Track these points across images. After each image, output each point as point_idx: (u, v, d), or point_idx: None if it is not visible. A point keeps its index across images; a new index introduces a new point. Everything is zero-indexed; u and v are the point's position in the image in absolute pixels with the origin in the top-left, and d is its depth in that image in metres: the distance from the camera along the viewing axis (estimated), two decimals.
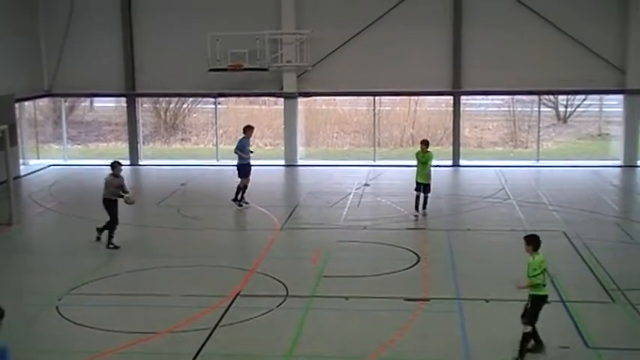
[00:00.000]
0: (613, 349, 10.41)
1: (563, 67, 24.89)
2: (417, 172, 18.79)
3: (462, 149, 26.56)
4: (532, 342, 10.22)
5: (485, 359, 10.27)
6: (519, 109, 32.18)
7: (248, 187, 19.93)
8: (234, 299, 12.67)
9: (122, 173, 16.39)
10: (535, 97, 27.68)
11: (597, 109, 31.17)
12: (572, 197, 20.44)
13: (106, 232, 16.16)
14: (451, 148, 26.48)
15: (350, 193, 21.46)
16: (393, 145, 31.54)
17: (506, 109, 33.21)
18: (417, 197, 18.65)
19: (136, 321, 11.89)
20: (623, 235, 16.46)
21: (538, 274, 9.99)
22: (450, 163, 26.13)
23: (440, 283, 13.52)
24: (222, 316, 11.92)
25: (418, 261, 14.80)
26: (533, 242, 10.21)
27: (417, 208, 18.62)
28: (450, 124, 26.92)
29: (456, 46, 25.39)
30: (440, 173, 24.42)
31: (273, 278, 13.75)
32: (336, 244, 16.25)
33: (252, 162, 20.16)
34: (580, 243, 15.80)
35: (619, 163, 25.39)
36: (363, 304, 12.47)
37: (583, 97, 31.11)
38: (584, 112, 33.28)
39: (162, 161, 28.26)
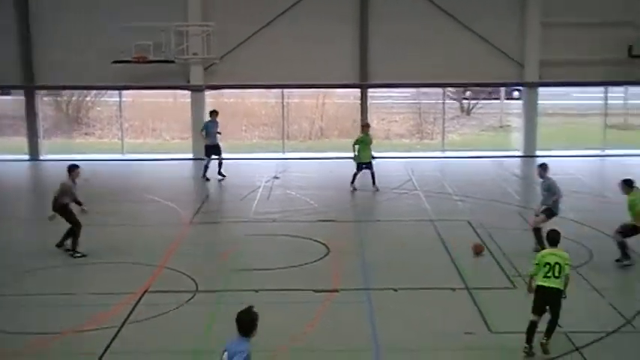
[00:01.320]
0: (515, 332, 10.74)
1: (466, 60, 25.56)
2: (359, 153, 20.38)
3: None
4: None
5: (395, 347, 10.45)
6: (425, 101, 32.84)
7: (222, 163, 22.48)
8: (141, 296, 12.47)
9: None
10: (440, 90, 28.30)
11: (499, 102, 32.14)
12: (475, 187, 21.04)
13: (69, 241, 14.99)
14: None
15: (259, 186, 21.45)
16: (302, 137, 31.67)
17: (413, 101, 33.84)
18: (355, 175, 20.50)
19: (39, 321, 11.54)
20: (524, 223, 17.03)
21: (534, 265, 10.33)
22: None
23: (349, 274, 13.67)
24: (130, 314, 11.71)
25: (328, 253, 14.92)
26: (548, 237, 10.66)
27: (353, 182, 20.51)
28: (358, 117, 27.25)
29: (363, 40, 25.70)
30: (348, 165, 24.69)
31: (182, 274, 13.60)
32: (246, 237, 16.21)
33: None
34: (484, 231, 16.28)
35: (519, 153, 26.27)
36: (274, 297, 12.48)
37: (486, 89, 32.01)
38: (486, 104, 34.26)
39: (65, 156, 27.44)
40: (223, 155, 22.90)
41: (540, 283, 10.23)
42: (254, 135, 32.32)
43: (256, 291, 12.67)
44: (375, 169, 20.87)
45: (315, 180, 22.88)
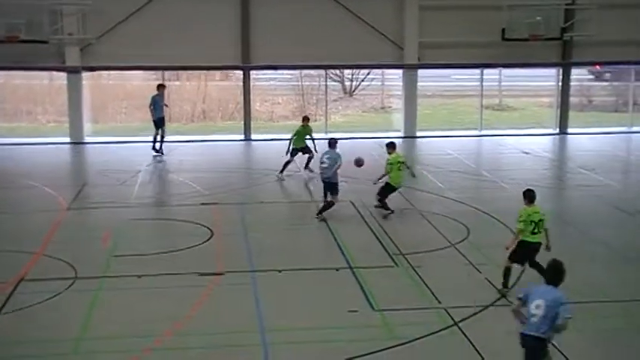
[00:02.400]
0: (396, 309, 11.03)
1: (347, 42, 25.81)
2: (295, 141, 20.14)
3: (253, 123, 26.85)
4: None
5: (279, 328, 10.49)
6: (307, 83, 32.98)
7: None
8: (17, 284, 11.99)
9: None
10: (322, 72, 28.48)
11: (380, 84, 32.67)
12: (359, 168, 21.29)
13: None
14: (242, 122, 26.67)
15: (141, 171, 21.00)
16: (185, 120, 31.19)
17: (295, 83, 33.91)
18: (289, 162, 19.98)
19: None
20: (405, 203, 17.41)
21: (521, 222, 11.34)
22: (242, 137, 26.34)
23: (234, 256, 13.61)
24: (5, 303, 11.24)
25: (212, 236, 14.80)
26: (525, 196, 11.60)
27: (282, 172, 19.92)
28: (241, 99, 27.08)
29: (245, 21, 25.51)
30: (232, 147, 24.56)
31: (61, 260, 13.16)
32: (128, 222, 15.85)
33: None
34: (366, 211, 16.56)
35: (400, 134, 26.85)
36: (157, 282, 12.28)
37: (367, 71, 32.43)
38: (368, 85, 34.75)
39: None
40: (103, 139, 22.24)
41: (528, 239, 11.46)
42: (135, 118, 31.53)
43: (139, 276, 12.42)
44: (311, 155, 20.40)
45: (199, 163, 22.58)
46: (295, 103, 33.87)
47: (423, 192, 18.52)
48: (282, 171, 20.00)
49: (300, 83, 33.50)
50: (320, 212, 16.03)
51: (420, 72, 27.04)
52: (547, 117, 28.15)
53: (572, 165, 22.53)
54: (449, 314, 10.85)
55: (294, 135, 20.47)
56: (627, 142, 25.69)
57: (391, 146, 16.58)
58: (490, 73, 28.01)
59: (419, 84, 27.17)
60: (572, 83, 27.64)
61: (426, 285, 12.05)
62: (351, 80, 35.20)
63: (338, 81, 34.99)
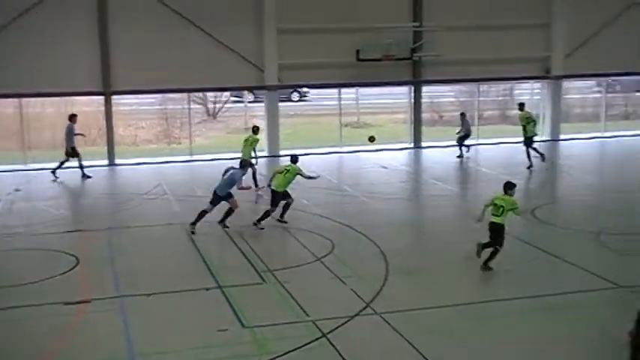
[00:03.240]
0: (266, 325, 11.36)
1: (209, 65, 26.12)
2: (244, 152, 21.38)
3: (117, 148, 26.60)
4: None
5: (150, 352, 10.58)
6: (171, 106, 32.93)
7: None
8: None
9: None
10: (185, 95, 28.59)
11: (243, 105, 33.08)
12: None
13: None
14: (106, 147, 26.36)
15: (0, 200, 20.39)
16: (46, 147, 30.32)
17: (159, 107, 33.79)
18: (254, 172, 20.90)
19: None
20: (271, 220, 17.72)
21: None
22: (106, 162, 26.03)
23: (101, 283, 13.53)
24: None
25: (77, 263, 14.65)
26: (505, 187, 13.90)
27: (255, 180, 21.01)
28: (104, 124, 26.75)
29: (104, 46, 25.29)
30: (97, 173, 24.22)
31: None
32: None
33: None
34: (233, 230, 16.83)
35: (265, 153, 27.32)
36: (20, 313, 12.05)
37: (229, 93, 32.80)
38: (231, 107, 35.09)
39: None
40: None
41: (491, 220, 13.80)
42: None
43: (2, 309, 12.17)
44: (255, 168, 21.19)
45: (61, 190, 22.17)
46: (159, 127, 33.73)
47: (291, 209, 19.00)
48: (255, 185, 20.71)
49: (163, 107, 33.41)
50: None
51: (282, 92, 27.72)
52: (402, 132, 29.48)
53: (425, 177, 23.76)
54: (317, 327, 11.24)
55: (250, 145, 21.46)
56: (474, 153, 27.26)
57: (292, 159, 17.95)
58: (348, 92, 29.04)
59: (280, 105, 27.84)
60: (423, 100, 29.11)
61: (294, 299, 12.44)
62: (214, 103, 35.44)
63: (201, 104, 35.13)
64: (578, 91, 35.10)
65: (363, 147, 26.80)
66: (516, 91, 34.46)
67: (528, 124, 23.84)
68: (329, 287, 13.20)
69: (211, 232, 16.75)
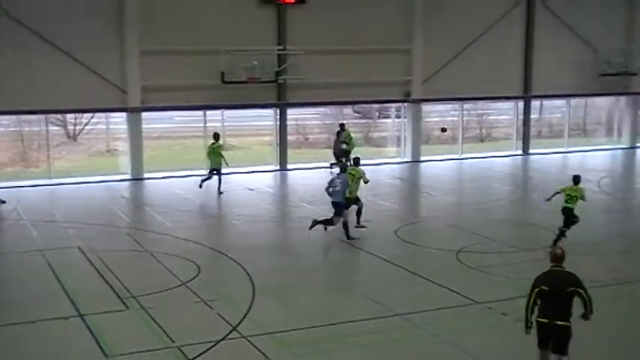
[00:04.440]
0: (130, 354, 11.08)
1: (70, 87, 25.32)
2: (211, 159, 23.52)
3: None
4: None
5: None
6: (27, 128, 31.60)
7: None
8: None
9: None
10: (42, 117, 27.53)
11: (105, 127, 32.23)
12: (85, 212, 20.99)
13: None
14: None
15: None
16: None
17: (14, 128, 32.34)
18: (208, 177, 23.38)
19: None
20: (134, 244, 17.48)
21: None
22: None
23: None
24: None
25: None
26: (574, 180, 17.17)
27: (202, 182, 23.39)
28: None
29: None
30: None
31: None
32: None
33: None
34: (94, 256, 16.33)
35: (128, 176, 26.73)
36: None
37: (91, 115, 31.86)
38: (92, 129, 34.07)
39: None
40: None
41: (564, 205, 16.86)
42: None
43: None
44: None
45: None
46: (15, 149, 32.27)
47: (153, 233, 18.69)
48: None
49: (19, 128, 32.01)
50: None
51: (145, 114, 27.23)
52: (268, 154, 29.63)
53: (292, 199, 23.96)
54: (183, 352, 11.07)
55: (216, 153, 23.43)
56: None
57: None
58: (213, 115, 28.91)
59: (144, 126, 27.34)
60: (288, 122, 29.40)
61: (159, 325, 12.20)
62: (75, 124, 34.33)
63: (60, 125, 33.93)
64: (438, 114, 36.51)
65: (228, 169, 26.75)
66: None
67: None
68: (195, 312, 13.02)
69: (71, 258, 16.16)
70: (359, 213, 18.78)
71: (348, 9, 28.54)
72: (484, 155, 32.05)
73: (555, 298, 9.37)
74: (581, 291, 9.37)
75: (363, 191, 19.18)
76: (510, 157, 31.60)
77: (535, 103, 34.09)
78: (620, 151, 33.71)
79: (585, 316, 9.55)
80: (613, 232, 18.86)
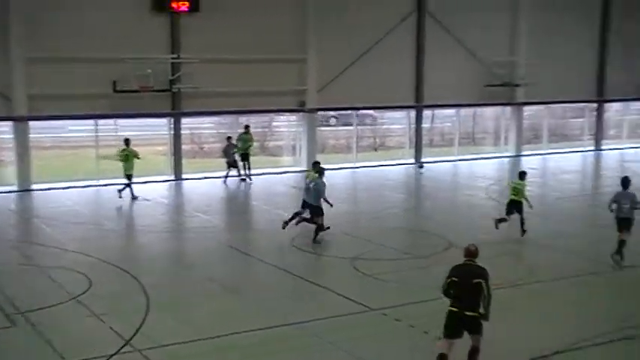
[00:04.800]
0: None
1: None
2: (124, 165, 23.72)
3: None
4: None
5: None
6: None
7: None
8: None
9: None
10: None
11: None
12: None
13: None
14: None
15: None
16: None
17: None
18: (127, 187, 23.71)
19: None
20: (21, 258, 16.86)
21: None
22: None
23: None
24: None
25: None
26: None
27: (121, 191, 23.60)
28: None
29: None
30: None
31: None
32: None
33: None
34: None
35: (15, 188, 25.74)
36: None
37: None
38: None
39: None
40: None
41: (511, 198, 19.12)
42: None
43: None
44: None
45: None
46: None
47: (42, 246, 18.10)
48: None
49: None
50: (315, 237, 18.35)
51: (34, 124, 26.31)
52: (163, 164, 29.17)
53: (188, 208, 23.68)
54: None
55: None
56: (229, 184, 27.67)
57: None
58: (106, 124, 28.24)
59: (32, 136, 26.40)
60: (183, 132, 29.04)
61: (48, 342, 11.81)
62: None
63: None
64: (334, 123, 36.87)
65: (122, 180, 26.21)
66: (274, 123, 35.48)
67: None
68: (86, 327, 12.69)
69: None
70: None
71: (243, 18, 28.50)
72: (378, 164, 32.61)
73: (464, 289, 10.18)
74: (483, 282, 10.10)
75: (257, 199, 19.20)
76: (403, 166, 32.28)
77: (427, 113, 34.96)
78: (506, 159, 34.98)
79: (483, 316, 10.19)
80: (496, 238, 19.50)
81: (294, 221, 18.90)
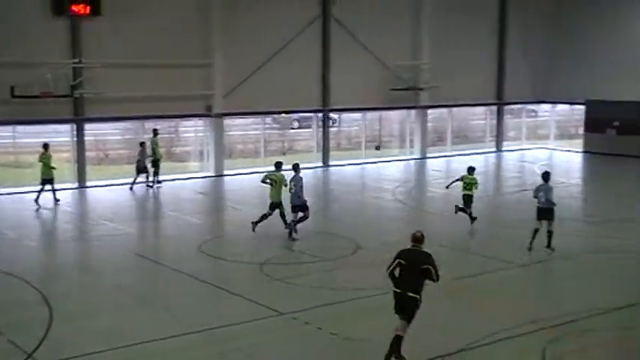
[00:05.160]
0: None
1: None
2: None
3: None
4: None
5: None
6: None
7: None
8: None
9: None
10: None
11: None
12: None
13: None
14: None
15: None
16: None
17: None
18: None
19: None
20: None
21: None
22: None
23: None
24: None
25: None
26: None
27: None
28: None
29: None
30: None
31: None
32: None
33: None
34: None
35: None
36: None
37: None
38: None
39: None
40: None
41: (464, 193, 20.49)
42: None
43: None
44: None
45: None
46: None
47: None
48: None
49: None
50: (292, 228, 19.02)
51: None
52: (66, 172, 28.38)
53: (93, 216, 23.13)
54: None
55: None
56: (139, 191, 27.21)
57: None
58: (4, 131, 27.29)
59: None
60: (87, 138, 28.33)
61: None
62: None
63: None
64: (241, 129, 36.74)
65: (22, 188, 25.39)
66: (182, 129, 35.05)
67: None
68: None
69: None
70: (282, 216, 19.63)
71: (148, 23, 28.06)
72: (286, 168, 32.56)
73: (409, 271, 10.95)
74: (430, 267, 10.94)
75: (165, 206, 18.94)
76: (311, 169, 32.47)
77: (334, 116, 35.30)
78: (412, 161, 35.66)
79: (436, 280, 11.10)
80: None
81: (287, 229, 19.34)
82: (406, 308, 10.89)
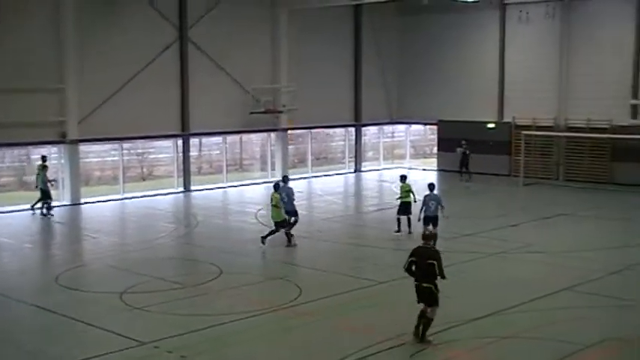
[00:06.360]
0: None
1: None
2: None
3: None
4: None
5: None
6: None
7: None
8: None
9: None
10: None
11: None
12: None
13: None
14: None
15: None
16: None
17: None
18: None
19: None
20: None
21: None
22: None
23: None
24: None
25: None
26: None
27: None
28: None
29: None
30: None
31: None
32: None
33: None
34: None
35: None
36: None
37: None
38: None
39: None
40: None
41: (402, 201, 22.21)
42: None
43: None
44: None
45: None
46: None
47: None
48: None
49: None
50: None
51: None
52: None
53: None
54: None
55: None
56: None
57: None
58: None
59: None
60: None
61: None
62: None
63: None
64: (97, 155, 35.64)
65: None
66: (34, 156, 33.62)
67: None
68: None
69: None
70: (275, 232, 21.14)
71: None
72: (146, 194, 32.03)
73: (420, 266, 12.93)
74: (435, 262, 12.74)
75: (13, 237, 18.04)
76: (172, 195, 32.01)
77: (194, 141, 34.94)
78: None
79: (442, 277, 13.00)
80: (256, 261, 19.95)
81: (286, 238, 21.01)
82: (425, 296, 12.81)
